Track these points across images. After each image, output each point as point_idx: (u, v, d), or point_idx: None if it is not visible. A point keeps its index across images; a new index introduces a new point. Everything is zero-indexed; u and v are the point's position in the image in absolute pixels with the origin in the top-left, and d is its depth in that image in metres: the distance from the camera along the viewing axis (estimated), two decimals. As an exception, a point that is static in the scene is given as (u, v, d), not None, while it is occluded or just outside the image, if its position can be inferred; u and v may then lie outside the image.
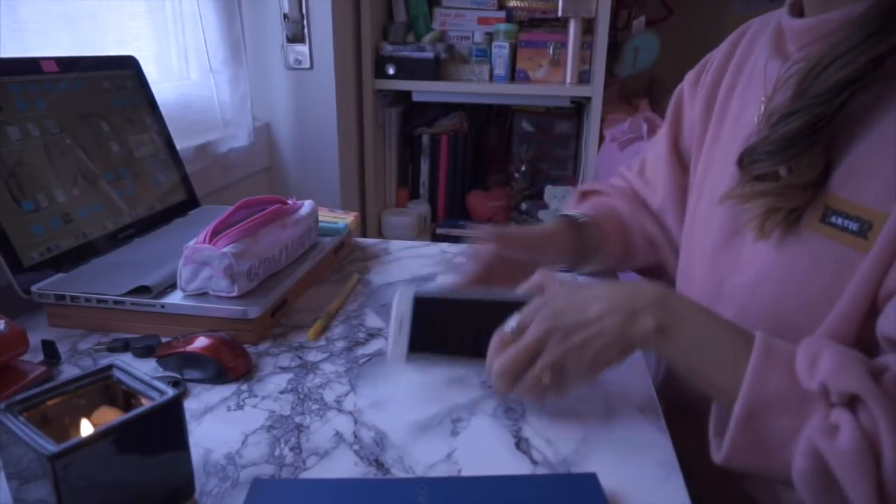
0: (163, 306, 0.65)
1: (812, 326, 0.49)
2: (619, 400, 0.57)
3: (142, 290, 0.66)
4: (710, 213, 0.65)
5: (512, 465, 0.49)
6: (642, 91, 2.18)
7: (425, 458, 0.50)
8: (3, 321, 0.55)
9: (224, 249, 0.64)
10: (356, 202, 1.72)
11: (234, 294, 0.65)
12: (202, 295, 0.66)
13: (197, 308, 0.65)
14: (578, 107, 1.89)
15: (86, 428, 0.43)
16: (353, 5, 1.56)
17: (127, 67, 0.92)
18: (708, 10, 2.25)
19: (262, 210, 0.72)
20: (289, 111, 1.47)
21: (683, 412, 0.73)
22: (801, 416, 0.44)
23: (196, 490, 0.45)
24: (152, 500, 0.42)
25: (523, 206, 1.96)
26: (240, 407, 0.56)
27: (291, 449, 0.50)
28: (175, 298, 0.65)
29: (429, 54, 1.64)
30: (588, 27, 1.65)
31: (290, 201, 0.78)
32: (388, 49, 1.66)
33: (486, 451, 0.51)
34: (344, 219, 0.93)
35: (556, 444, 0.51)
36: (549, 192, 1.85)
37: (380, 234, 1.84)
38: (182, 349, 0.59)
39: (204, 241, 0.65)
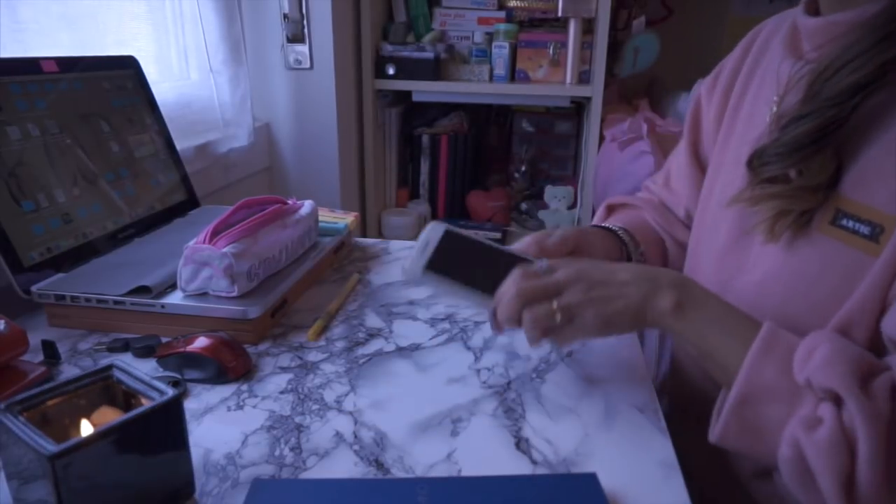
0: (163, 306, 0.65)
1: (819, 329, 0.50)
2: (619, 400, 0.58)
3: (142, 290, 0.66)
4: (720, 213, 0.65)
5: (512, 465, 0.49)
6: (642, 91, 2.18)
7: (425, 458, 0.50)
8: (3, 321, 0.55)
9: (224, 249, 0.64)
10: (356, 202, 1.72)
11: (234, 294, 0.65)
12: (202, 295, 0.66)
13: (197, 308, 0.65)
14: (578, 107, 1.89)
15: (86, 428, 0.43)
16: (353, 5, 1.56)
17: (127, 67, 0.92)
18: (708, 10, 2.25)
19: (262, 210, 0.72)
20: (289, 111, 1.47)
21: (683, 412, 0.73)
22: (791, 406, 0.45)
23: (196, 490, 0.45)
24: (152, 500, 0.42)
25: (523, 206, 1.96)
26: (240, 407, 0.56)
27: (291, 449, 0.50)
28: (175, 298, 0.66)
29: (429, 54, 1.64)
30: (588, 27, 1.65)
31: (290, 201, 0.78)
32: (388, 49, 1.66)
33: (486, 451, 0.51)
34: (344, 219, 0.93)
35: (556, 444, 0.51)
36: (549, 192, 1.85)
37: (380, 234, 1.84)
38: (182, 349, 0.59)
39: (204, 241, 0.65)
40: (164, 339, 0.64)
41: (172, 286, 0.67)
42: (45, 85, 0.77)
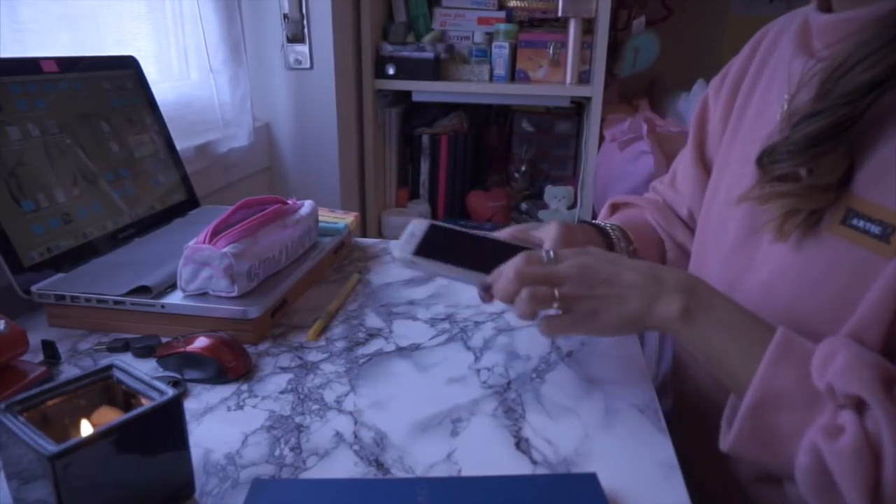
0: (163, 306, 0.65)
1: (827, 329, 0.49)
2: (619, 400, 0.57)
3: (142, 290, 0.66)
4: (727, 212, 0.65)
5: (512, 465, 0.49)
6: (642, 91, 2.18)
7: (425, 458, 0.50)
8: (3, 321, 0.55)
9: (224, 249, 0.64)
10: (356, 202, 1.72)
11: (234, 294, 0.65)
12: (202, 295, 0.66)
13: (197, 308, 0.65)
14: (578, 107, 1.89)
15: (86, 428, 0.43)
16: (353, 5, 1.56)
17: (127, 67, 0.92)
18: (708, 10, 2.25)
19: (262, 210, 0.72)
20: (289, 111, 1.47)
21: (684, 412, 0.73)
22: (809, 413, 0.44)
23: (196, 490, 0.45)
24: (152, 500, 0.42)
25: (523, 206, 1.96)
26: (240, 407, 0.56)
27: (291, 449, 0.50)
28: (175, 298, 0.66)
29: (429, 54, 1.64)
30: (588, 27, 1.65)
31: (290, 201, 0.78)
32: (388, 49, 1.66)
33: (486, 451, 0.51)
34: (344, 219, 0.93)
35: (556, 444, 0.51)
36: (549, 192, 1.85)
37: (380, 234, 1.84)
38: (182, 349, 0.59)
39: (204, 241, 0.65)
40: (164, 339, 0.64)
41: (172, 286, 0.67)
42: (45, 85, 0.77)
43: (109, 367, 0.46)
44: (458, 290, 0.80)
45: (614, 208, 0.88)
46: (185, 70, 1.23)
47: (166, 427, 0.42)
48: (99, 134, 0.83)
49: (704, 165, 0.77)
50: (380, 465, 0.49)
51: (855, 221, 0.49)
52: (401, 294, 0.79)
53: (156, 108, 0.94)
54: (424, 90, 1.69)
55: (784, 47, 0.65)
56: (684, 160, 0.80)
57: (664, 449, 0.51)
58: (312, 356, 0.64)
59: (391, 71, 1.66)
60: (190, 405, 0.56)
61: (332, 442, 0.51)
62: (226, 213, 0.69)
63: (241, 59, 1.27)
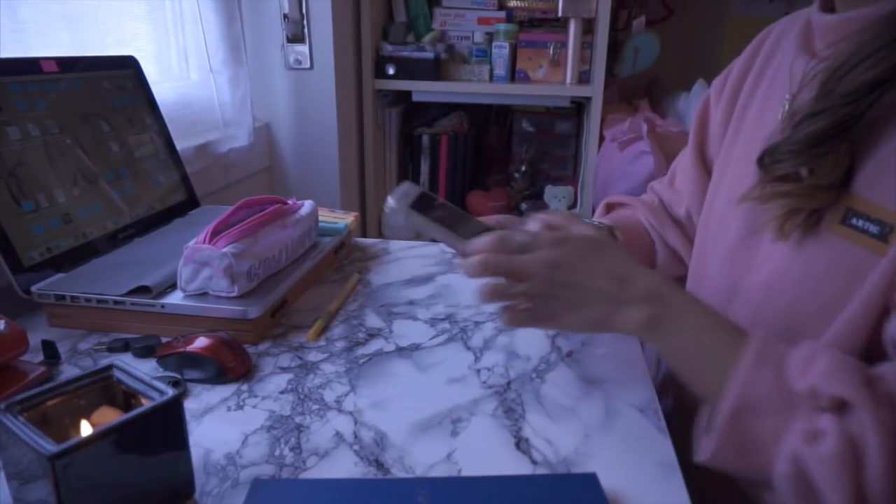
0: (163, 306, 0.65)
1: (827, 329, 0.49)
2: (619, 400, 0.57)
3: (142, 290, 0.66)
4: (728, 212, 0.65)
5: (512, 465, 0.49)
6: (642, 91, 2.18)
7: (425, 458, 0.50)
8: (3, 321, 0.55)
9: (224, 249, 0.64)
10: (356, 202, 1.72)
11: (234, 294, 0.65)
12: (202, 295, 0.66)
13: (197, 308, 0.65)
14: (578, 107, 1.89)
15: (86, 428, 0.43)
16: (353, 5, 1.56)
17: (127, 67, 0.92)
18: (708, 10, 2.25)
19: (262, 210, 0.72)
20: (289, 111, 1.47)
21: (683, 412, 0.73)
22: (787, 418, 0.43)
23: (196, 490, 0.45)
24: (152, 500, 0.42)
25: (523, 206, 1.96)
26: (240, 407, 0.56)
27: (291, 449, 0.50)
28: (175, 298, 0.66)
29: (429, 54, 1.64)
30: (588, 27, 1.65)
31: (290, 201, 0.78)
32: (388, 49, 1.66)
33: (486, 451, 0.51)
34: (344, 219, 0.93)
35: (556, 444, 0.51)
36: (549, 192, 1.85)
37: (380, 234, 1.84)
38: (182, 349, 0.59)
39: (204, 242, 0.65)
40: (164, 339, 0.64)
41: (172, 286, 0.67)
42: (45, 85, 0.77)
43: (109, 367, 0.46)
44: (458, 290, 0.80)
45: (609, 208, 0.88)
46: (185, 70, 1.23)
47: (166, 427, 0.42)
48: (99, 134, 0.83)
49: (705, 166, 0.77)
50: (380, 465, 0.49)
51: (854, 221, 0.49)
52: (401, 294, 0.79)
53: (156, 108, 0.94)
54: (424, 90, 1.69)
55: (786, 48, 0.65)
56: (684, 160, 0.80)
57: (664, 449, 0.51)
58: (312, 356, 0.64)
59: (391, 71, 1.66)
60: (190, 405, 0.55)
61: (332, 442, 0.51)
62: (226, 213, 0.69)
63: (241, 59, 1.27)
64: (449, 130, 1.89)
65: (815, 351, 0.45)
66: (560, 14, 1.62)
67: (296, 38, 1.41)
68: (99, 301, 0.66)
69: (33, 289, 0.66)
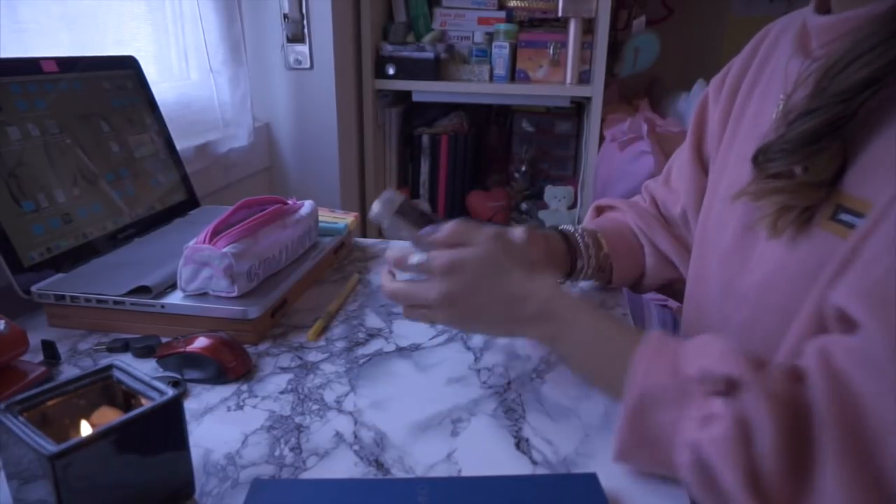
0: (163, 306, 0.65)
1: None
2: (620, 400, 0.57)
3: (142, 290, 0.66)
4: (726, 212, 0.65)
5: (512, 465, 0.49)
6: (642, 91, 2.18)
7: (425, 458, 0.50)
8: (3, 321, 0.55)
9: (224, 249, 0.64)
10: (356, 202, 1.72)
11: (234, 294, 0.65)
12: (202, 295, 0.66)
13: (197, 308, 0.65)
14: (578, 107, 1.89)
15: (86, 428, 0.43)
16: (353, 5, 1.56)
17: (127, 67, 0.92)
18: (708, 10, 2.25)
19: (262, 210, 0.72)
20: (289, 111, 1.47)
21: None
22: (682, 407, 0.44)
23: (196, 490, 0.45)
24: (152, 500, 0.42)
25: (523, 206, 1.96)
26: (240, 407, 0.56)
27: (291, 449, 0.50)
28: (175, 298, 0.66)
29: (429, 54, 1.64)
30: (588, 27, 1.65)
31: (290, 201, 0.78)
32: (388, 49, 1.66)
33: (486, 451, 0.51)
34: (344, 219, 0.93)
35: (556, 444, 0.51)
36: (549, 192, 1.85)
37: (380, 235, 1.84)
38: (182, 349, 0.59)
39: (204, 242, 0.65)
40: (164, 339, 0.64)
41: (172, 286, 0.67)
42: (45, 85, 0.77)
43: (109, 367, 0.46)
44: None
45: (599, 211, 0.88)
46: (185, 70, 1.23)
47: (166, 427, 0.42)
48: (99, 134, 0.83)
49: (702, 164, 0.77)
50: (380, 465, 0.49)
51: (842, 216, 0.49)
52: (401, 294, 0.79)
53: (156, 108, 0.94)
54: (424, 90, 1.69)
55: (783, 48, 0.65)
56: (681, 158, 0.80)
57: (664, 449, 0.51)
58: (312, 356, 0.64)
59: (391, 71, 1.66)
60: (190, 405, 0.55)
61: (332, 442, 0.51)
62: (226, 213, 0.69)
63: (241, 59, 1.27)
64: (449, 130, 1.89)
65: (712, 338, 0.46)
66: (560, 14, 1.62)
67: (296, 38, 1.41)
68: (99, 301, 0.66)
69: (33, 289, 0.66)
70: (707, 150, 0.76)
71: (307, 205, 0.80)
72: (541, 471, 0.49)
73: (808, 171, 0.51)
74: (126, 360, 0.53)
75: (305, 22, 1.40)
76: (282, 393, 0.58)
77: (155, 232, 0.84)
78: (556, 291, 0.55)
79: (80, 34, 0.97)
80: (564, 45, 1.66)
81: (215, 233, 0.66)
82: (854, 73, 0.48)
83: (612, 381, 0.51)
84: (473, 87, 1.69)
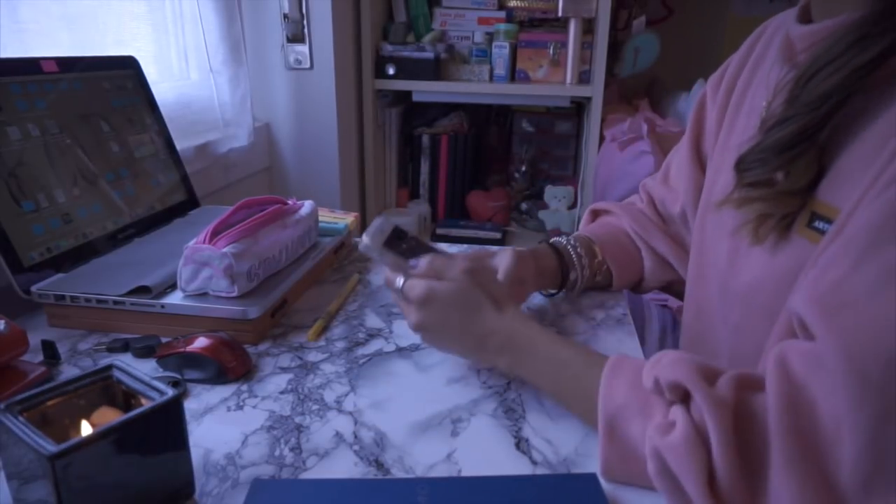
0: (163, 306, 0.65)
1: None
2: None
3: (142, 290, 0.66)
4: (722, 211, 0.65)
5: (512, 465, 0.49)
6: (642, 91, 2.18)
7: (425, 458, 0.50)
8: (3, 321, 0.55)
9: (224, 249, 0.64)
10: (356, 202, 1.72)
11: (234, 294, 0.65)
12: (202, 295, 0.66)
13: (197, 308, 0.65)
14: (578, 107, 1.89)
15: (86, 428, 0.43)
16: (353, 5, 1.56)
17: (127, 67, 0.92)
18: (708, 10, 2.25)
19: (262, 210, 0.72)
20: (289, 111, 1.47)
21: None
22: (646, 417, 0.45)
23: (196, 490, 0.45)
24: (152, 500, 0.42)
25: (523, 206, 1.96)
26: (240, 407, 0.56)
27: (291, 449, 0.50)
28: (175, 298, 0.66)
29: (429, 54, 1.64)
30: (588, 27, 1.65)
31: (290, 201, 0.78)
32: (388, 49, 1.66)
33: (486, 451, 0.51)
34: (344, 219, 0.93)
35: (556, 444, 0.52)
36: (549, 192, 1.85)
37: (380, 235, 1.84)
38: (182, 349, 0.59)
39: (204, 242, 0.65)
40: (164, 339, 0.64)
41: (172, 286, 0.67)
42: (45, 85, 0.77)
43: (109, 367, 0.46)
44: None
45: (595, 215, 0.88)
46: (185, 70, 1.23)
47: (166, 427, 0.42)
48: (99, 134, 0.83)
49: (700, 162, 0.77)
50: (380, 465, 0.49)
51: (816, 223, 0.50)
52: (401, 294, 0.79)
53: (156, 108, 0.94)
54: (424, 90, 1.69)
55: (772, 53, 0.65)
56: (679, 156, 0.80)
57: (664, 449, 0.51)
58: (312, 356, 0.64)
59: (391, 71, 1.66)
60: (190, 405, 0.55)
61: (332, 442, 0.51)
62: (226, 214, 0.69)
63: (241, 59, 1.27)
64: (449, 130, 1.89)
65: (669, 351, 0.47)
66: (560, 14, 1.62)
67: (296, 38, 1.41)
68: (99, 301, 0.66)
69: (33, 289, 0.66)
70: (705, 147, 0.76)
71: (307, 205, 0.80)
72: (541, 471, 0.49)
73: (790, 176, 0.52)
74: (126, 360, 0.53)
75: (305, 22, 1.40)
76: (282, 393, 0.58)
77: (155, 232, 0.84)
78: (516, 324, 0.57)
79: (80, 34, 0.97)
80: (564, 45, 1.66)
81: (215, 233, 0.66)
82: (821, 82, 0.49)
83: (576, 403, 0.53)
84: (473, 87, 1.69)
